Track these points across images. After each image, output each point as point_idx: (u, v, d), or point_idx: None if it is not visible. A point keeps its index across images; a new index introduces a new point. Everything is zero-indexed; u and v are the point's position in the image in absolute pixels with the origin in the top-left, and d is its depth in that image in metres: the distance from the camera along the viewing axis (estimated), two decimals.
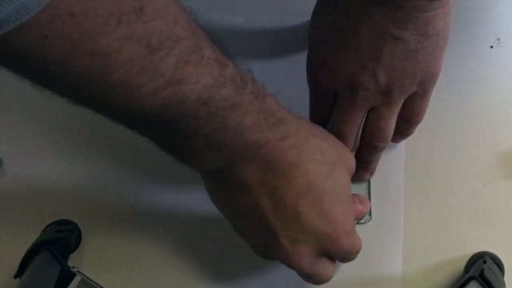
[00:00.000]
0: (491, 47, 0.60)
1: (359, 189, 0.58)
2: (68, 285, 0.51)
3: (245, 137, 0.43)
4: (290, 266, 0.48)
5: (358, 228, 0.56)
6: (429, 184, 0.58)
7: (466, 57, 0.59)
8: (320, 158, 0.47)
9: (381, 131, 0.52)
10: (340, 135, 0.52)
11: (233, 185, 0.46)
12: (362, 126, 0.53)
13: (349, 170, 0.50)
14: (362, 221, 0.58)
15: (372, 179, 0.58)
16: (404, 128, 0.55)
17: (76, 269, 0.52)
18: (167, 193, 0.59)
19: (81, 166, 0.60)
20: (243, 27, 0.61)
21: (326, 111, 0.53)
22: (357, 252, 0.50)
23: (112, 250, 0.59)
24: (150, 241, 0.59)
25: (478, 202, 0.58)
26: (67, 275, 0.51)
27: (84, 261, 0.58)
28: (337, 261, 0.51)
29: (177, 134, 0.41)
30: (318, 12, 0.52)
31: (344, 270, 0.57)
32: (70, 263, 0.53)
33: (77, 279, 0.51)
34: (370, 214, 0.58)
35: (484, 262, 0.54)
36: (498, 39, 0.60)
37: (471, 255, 0.57)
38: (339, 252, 0.49)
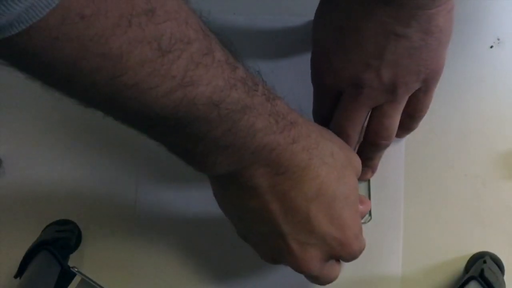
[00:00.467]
0: (491, 47, 0.60)
1: (359, 189, 0.58)
2: (68, 285, 0.51)
3: (256, 140, 0.43)
4: (299, 270, 0.48)
5: None
6: (429, 184, 0.58)
7: (466, 57, 0.59)
8: (331, 161, 0.47)
9: (385, 129, 0.52)
10: (343, 133, 0.52)
11: (242, 188, 0.46)
12: (365, 124, 0.53)
13: (357, 173, 0.51)
14: (362, 221, 0.57)
15: (372, 179, 0.58)
16: (407, 122, 0.55)
17: (76, 269, 0.52)
18: (167, 193, 0.59)
19: (81, 166, 0.60)
20: (243, 27, 0.61)
21: (329, 109, 0.53)
22: (362, 251, 0.51)
23: (112, 250, 0.59)
24: (150, 241, 0.59)
25: (478, 202, 0.58)
26: (67, 275, 0.51)
27: (84, 261, 0.58)
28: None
29: (188, 137, 0.41)
30: (320, 12, 0.52)
31: (344, 270, 0.57)
32: (70, 263, 0.53)
33: (77, 279, 0.51)
34: (370, 214, 0.58)
35: (484, 262, 0.54)
36: (498, 39, 0.60)
37: (471, 255, 0.57)
38: (348, 256, 0.49)
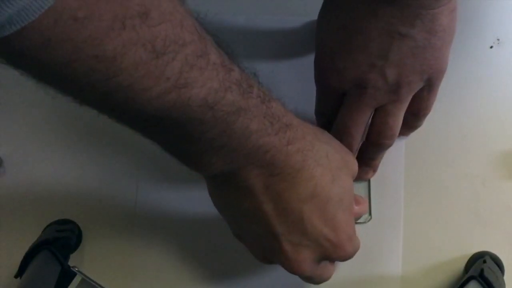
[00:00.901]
0: (491, 47, 0.60)
1: (359, 189, 0.58)
2: (69, 284, 0.51)
3: (251, 142, 0.43)
4: (292, 270, 0.48)
5: (358, 228, 0.56)
6: (429, 184, 0.58)
7: (466, 57, 0.59)
8: (326, 163, 0.47)
9: (389, 128, 0.52)
10: (347, 134, 0.52)
11: (237, 189, 0.46)
12: (368, 124, 0.53)
13: (353, 175, 0.50)
14: (362, 220, 0.58)
15: (372, 179, 0.58)
16: (411, 120, 0.55)
17: (76, 269, 0.52)
18: (168, 193, 0.59)
19: (82, 166, 0.60)
20: (244, 27, 0.61)
21: (333, 110, 0.53)
22: (356, 252, 0.51)
23: (112, 250, 0.59)
24: (150, 241, 0.59)
25: (478, 202, 0.58)
26: (68, 274, 0.51)
27: (84, 261, 0.58)
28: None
29: (183, 137, 0.41)
30: (324, 13, 0.52)
31: (344, 270, 0.57)
32: (70, 263, 0.53)
33: (77, 279, 0.51)
34: (370, 214, 0.58)
35: (484, 262, 0.54)
36: (498, 39, 0.60)
37: (471, 255, 0.57)
38: (341, 258, 0.49)
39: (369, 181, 0.58)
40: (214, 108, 0.39)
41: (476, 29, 0.60)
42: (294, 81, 0.59)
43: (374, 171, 0.57)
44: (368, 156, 0.55)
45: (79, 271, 0.51)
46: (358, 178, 0.57)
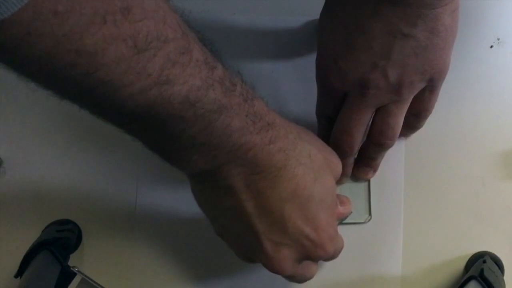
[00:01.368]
0: (491, 47, 0.60)
1: (359, 189, 0.58)
2: (69, 284, 0.51)
3: (232, 140, 0.43)
4: (272, 269, 0.48)
5: (358, 228, 0.56)
6: (429, 184, 0.58)
7: (466, 57, 0.59)
8: (308, 162, 0.47)
9: (390, 128, 0.52)
10: (348, 134, 0.52)
11: (218, 187, 0.46)
12: (369, 124, 0.53)
13: (336, 175, 0.50)
14: (362, 220, 0.57)
15: (372, 179, 0.58)
16: (413, 121, 0.55)
17: (76, 269, 0.52)
18: (167, 194, 0.59)
19: (82, 166, 0.60)
20: (244, 27, 0.61)
21: (334, 110, 0.53)
22: (340, 252, 0.51)
23: (112, 250, 0.59)
24: (150, 241, 0.59)
25: (478, 202, 0.58)
26: (68, 274, 0.51)
27: (84, 261, 0.58)
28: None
29: (163, 134, 0.41)
30: (326, 12, 0.52)
31: (344, 270, 0.57)
32: (70, 263, 0.53)
33: (77, 279, 0.51)
34: (370, 214, 0.58)
35: (484, 262, 0.54)
36: (498, 39, 0.60)
37: (471, 255, 0.57)
38: (322, 257, 0.49)
39: (369, 181, 0.58)
40: (195, 106, 0.39)
41: (476, 29, 0.60)
42: (295, 81, 0.59)
43: (375, 171, 0.57)
44: (368, 156, 0.56)
45: (79, 271, 0.51)
46: (359, 178, 0.57)
